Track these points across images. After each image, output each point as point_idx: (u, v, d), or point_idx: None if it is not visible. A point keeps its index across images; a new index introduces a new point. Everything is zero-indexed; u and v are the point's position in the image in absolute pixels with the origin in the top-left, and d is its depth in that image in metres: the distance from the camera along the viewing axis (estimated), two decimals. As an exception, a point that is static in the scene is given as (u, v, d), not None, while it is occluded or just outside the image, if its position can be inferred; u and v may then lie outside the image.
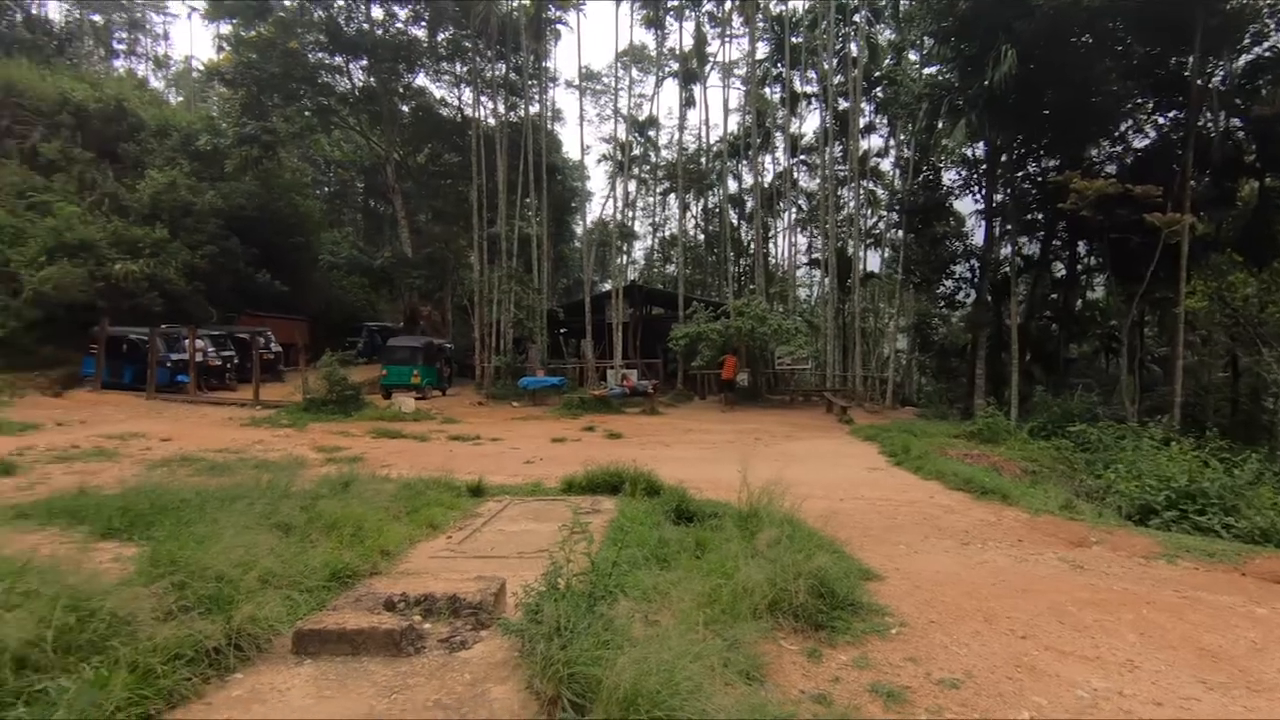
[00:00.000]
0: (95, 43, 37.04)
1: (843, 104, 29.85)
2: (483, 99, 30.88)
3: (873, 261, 34.10)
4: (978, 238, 27.09)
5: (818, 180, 35.87)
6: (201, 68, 39.94)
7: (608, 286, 32.78)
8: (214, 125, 28.91)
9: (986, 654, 4.02)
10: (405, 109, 33.35)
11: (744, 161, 38.08)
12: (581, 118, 74.04)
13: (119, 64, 39.26)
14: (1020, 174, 23.56)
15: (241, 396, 20.13)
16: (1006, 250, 24.15)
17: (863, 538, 6.55)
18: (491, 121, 30.21)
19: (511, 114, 31.12)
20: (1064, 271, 26.98)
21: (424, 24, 31.02)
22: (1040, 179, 23.05)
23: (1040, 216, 24.31)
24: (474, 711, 3.08)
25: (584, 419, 18.35)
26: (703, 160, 40.68)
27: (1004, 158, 22.72)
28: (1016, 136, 21.96)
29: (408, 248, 31.36)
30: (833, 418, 20.14)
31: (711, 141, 39.88)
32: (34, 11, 33.50)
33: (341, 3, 29.93)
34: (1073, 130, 20.38)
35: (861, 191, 30.41)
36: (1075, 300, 27.01)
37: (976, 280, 26.14)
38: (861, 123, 29.76)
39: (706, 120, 53.39)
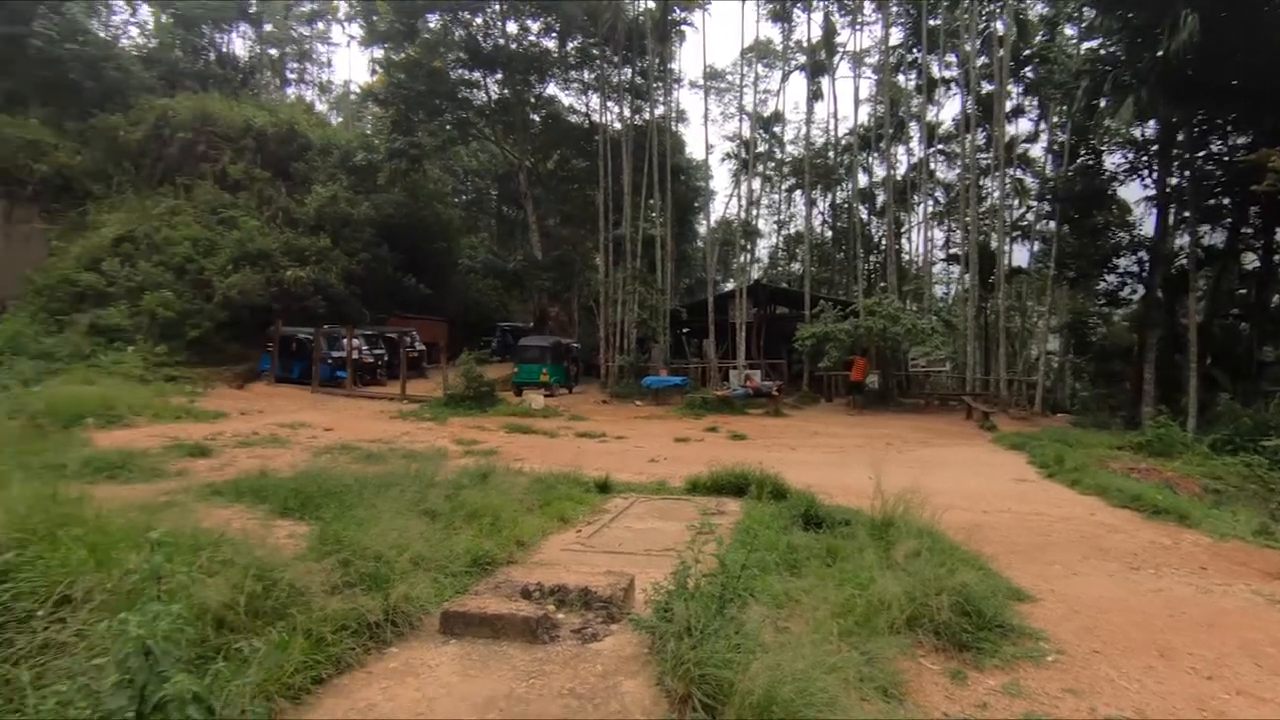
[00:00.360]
0: (272, 74, 41.62)
1: (986, 87, 27.84)
2: (609, 104, 31.67)
3: (1019, 256, 31.56)
4: (1147, 227, 24.34)
5: (957, 170, 33.67)
6: (358, 90, 43.80)
7: (730, 286, 32.55)
8: (368, 142, 31.58)
9: (1163, 693, 3.60)
10: (536, 118, 34.84)
11: (875, 154, 36.48)
12: (706, 117, 74.08)
13: (290, 91, 43.92)
14: (1201, 154, 20.89)
15: (390, 391, 21.85)
16: (1183, 240, 21.50)
17: (1010, 555, 6.07)
18: (617, 126, 30.91)
19: (636, 117, 31.66)
20: (1258, 263, 23.61)
21: (554, 35, 32.26)
22: (1227, 159, 20.32)
23: (1227, 201, 21.43)
24: (606, 703, 3.16)
25: (706, 419, 18.33)
26: (830, 154, 39.38)
27: (1180, 136, 20.24)
28: (1196, 112, 19.49)
29: (537, 251, 32.75)
30: (973, 424, 18.85)
31: (840, 135, 38.55)
32: (224, 50, 38.14)
33: (480, 21, 31.74)
34: (1270, 101, 17.79)
35: (1007, 180, 28.20)
36: (1272, 296, 23.56)
37: (1146, 275, 23.46)
38: (1008, 106, 27.61)
39: (835, 113, 51.86)
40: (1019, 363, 25.38)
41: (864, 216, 37.61)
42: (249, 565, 3.64)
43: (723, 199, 50.14)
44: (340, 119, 45.70)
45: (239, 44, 39.04)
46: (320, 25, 45.04)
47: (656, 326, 26.75)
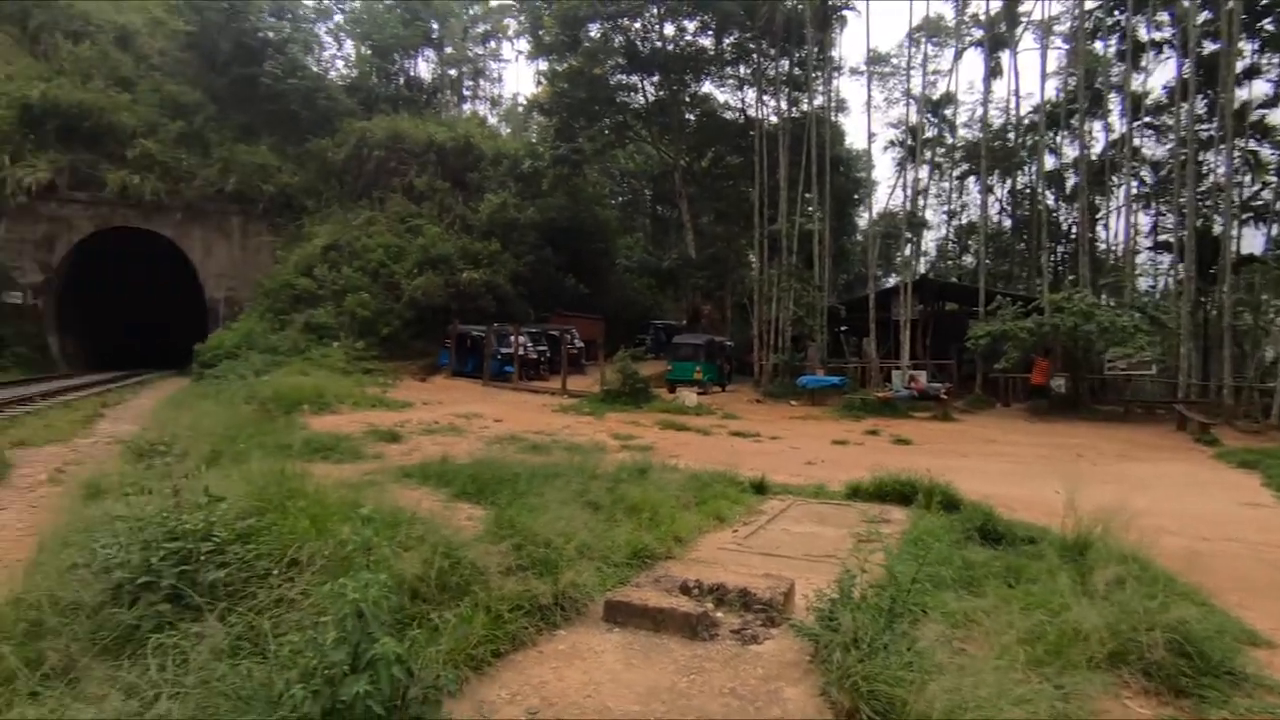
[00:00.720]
0: (451, 92, 45.41)
1: (1210, 46, 24.05)
2: (765, 98, 31.16)
3: (1252, 241, 26.99)
4: None
5: (1168, 145, 29.42)
6: (525, 101, 46.57)
7: (893, 281, 30.79)
8: (534, 150, 33.53)
9: None
10: (691, 117, 35.10)
11: (1064, 132, 32.79)
12: (868, 104, 70.30)
13: (466, 107, 47.66)
14: None
15: (552, 386, 23.06)
16: None
17: (1242, 591, 5.21)
18: (773, 120, 30.32)
19: (794, 110, 30.89)
20: None
21: (710, 32, 32.30)
22: None
23: None
24: (767, 708, 3.12)
25: (866, 422, 17.51)
26: (1010, 136, 35.99)
27: None
28: None
29: (692, 249, 33.02)
30: (1186, 436, 16.42)
31: (1022, 113, 35.10)
32: (411, 74, 42.18)
33: (638, 25, 32.53)
34: None
35: (1236, 154, 24.17)
36: None
37: None
38: (1239, 67, 23.64)
39: (1016, 90, 47.16)
40: (1249, 367, 21.61)
41: (1050, 202, 33.97)
42: (438, 544, 4.01)
43: (885, 189, 47.60)
44: (509, 130, 48.88)
45: (423, 67, 42.99)
46: (492, 44, 48.44)
47: (813, 324, 25.96)
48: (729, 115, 35.34)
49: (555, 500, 5.38)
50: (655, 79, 33.58)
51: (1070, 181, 33.51)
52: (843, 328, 29.91)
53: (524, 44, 40.25)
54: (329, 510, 4.49)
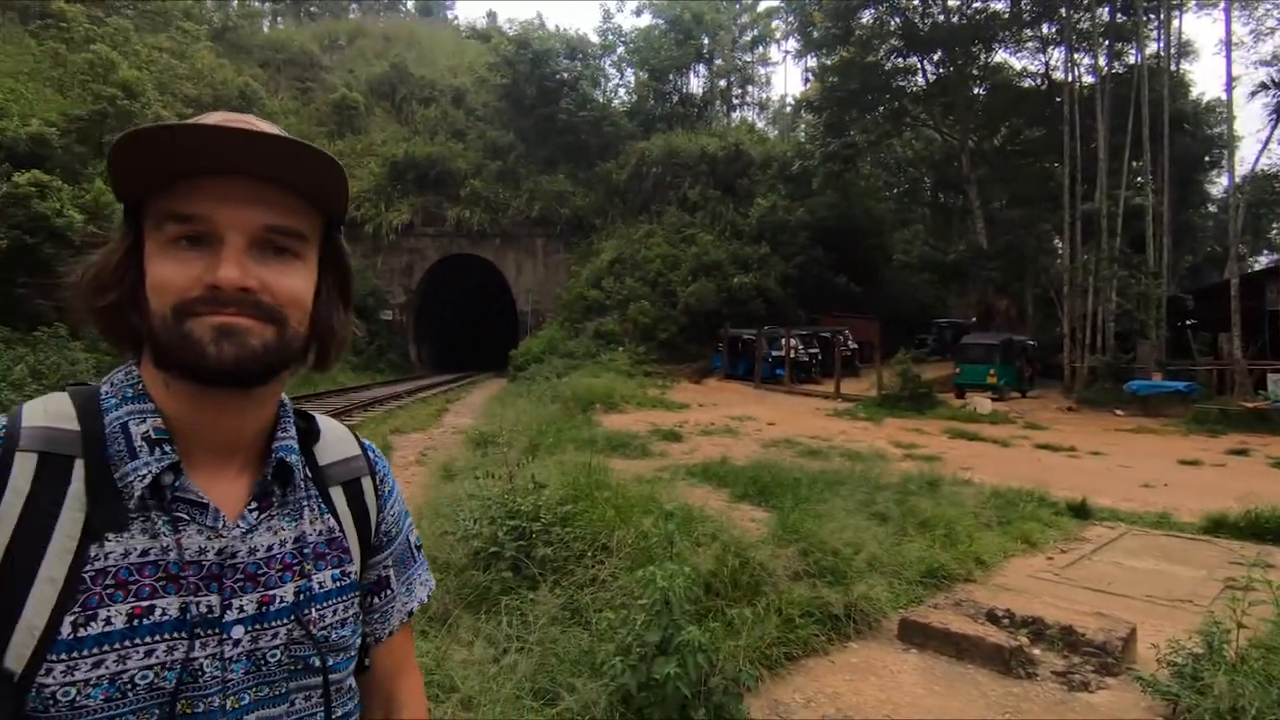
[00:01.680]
0: (720, 102, 46.82)
1: None
2: (1076, 56, 26.75)
3: None
4: None
5: None
6: (792, 101, 46.11)
7: (1265, 261, 24.27)
8: (802, 150, 33.03)
9: None
10: (979, 91, 31.59)
11: None
12: (1227, 41, 56.65)
13: (735, 115, 48.71)
14: None
15: (824, 390, 22.48)
16: None
17: None
18: (1087, 80, 25.91)
19: (1115, 65, 26.06)
20: None
21: (1005, -6, 28.76)
22: None
23: None
24: (1108, 769, 2.70)
25: (1228, 438, 14.10)
26: None
27: None
28: None
29: (982, 238, 29.64)
30: None
31: None
32: (683, 91, 44.40)
33: (916, 3, 30.25)
34: None
35: None
36: None
37: None
38: None
39: None
40: None
41: None
42: (728, 543, 4.18)
43: (1252, 146, 37.77)
44: (776, 132, 48.86)
45: (694, 82, 44.94)
46: (760, 49, 48.84)
47: (1145, 318, 21.62)
48: (1026, 84, 31.09)
49: (840, 508, 5.26)
50: (936, 57, 30.87)
51: None
52: (1189, 321, 24.41)
53: (792, 44, 39.93)
54: (630, 502, 4.95)
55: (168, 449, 0.69)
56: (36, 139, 16.94)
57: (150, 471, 0.67)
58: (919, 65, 31.72)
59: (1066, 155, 23.93)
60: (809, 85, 37.12)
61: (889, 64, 31.63)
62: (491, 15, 55.83)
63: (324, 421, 0.87)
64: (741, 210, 30.84)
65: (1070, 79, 25.95)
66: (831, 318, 28.51)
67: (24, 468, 0.65)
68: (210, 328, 0.66)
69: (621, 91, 44.33)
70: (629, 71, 44.09)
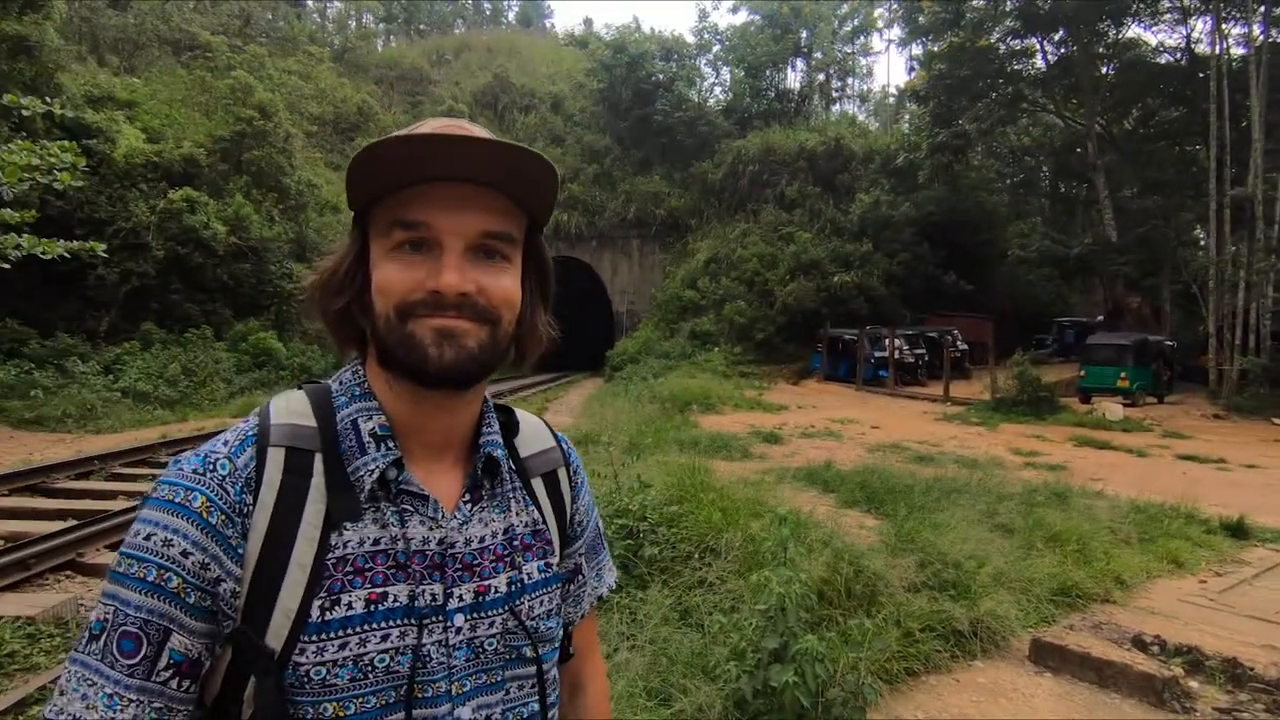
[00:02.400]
0: (819, 97, 45.58)
1: None
2: (1224, 25, 24.17)
3: None
4: None
5: None
6: (895, 92, 44.28)
7: None
8: (907, 142, 31.61)
9: None
10: (1108, 71, 29.13)
11: None
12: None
13: (835, 108, 47.29)
14: None
15: (931, 392, 21.42)
16: None
17: None
18: (1237, 51, 23.37)
19: (1273, 32, 23.36)
20: None
21: (1139, -39, 26.39)
22: None
23: None
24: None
25: None
26: None
27: None
28: None
29: (1111, 230, 27.29)
30: None
31: None
32: (780, 87, 43.53)
33: (1036, -20, 28.30)
34: None
35: None
36: None
37: None
38: None
39: None
40: None
41: None
42: (841, 550, 4.04)
43: None
44: (878, 125, 47.03)
45: (791, 77, 43.96)
46: (862, 40, 47.20)
47: (1308, 315, 19.27)
48: (1163, 60, 28.38)
49: (959, 518, 4.98)
50: (1058, 36, 28.73)
51: None
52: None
53: (895, 32, 38.35)
54: (736, 505, 4.88)
55: (391, 445, 0.73)
56: (188, 159, 18.75)
57: (378, 466, 0.71)
58: (1038, 46, 29.66)
59: (1213, 136, 21.70)
60: (914, 74, 35.55)
61: (1004, 47, 29.76)
62: (588, 21, 57.06)
63: (521, 414, 0.90)
64: (842, 207, 29.91)
65: (1218, 51, 23.51)
66: (939, 317, 27.16)
67: (275, 461, 0.70)
68: (431, 329, 0.69)
69: (717, 90, 44.01)
70: (724, 70, 43.73)
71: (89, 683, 0.63)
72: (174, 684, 0.65)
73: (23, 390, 13.10)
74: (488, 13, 65.03)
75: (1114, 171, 28.48)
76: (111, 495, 7.06)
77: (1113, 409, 16.11)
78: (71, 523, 5.78)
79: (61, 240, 9.68)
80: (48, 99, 7.85)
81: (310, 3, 49.04)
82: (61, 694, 0.64)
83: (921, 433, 13.48)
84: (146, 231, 16.92)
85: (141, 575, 0.64)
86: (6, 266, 9.37)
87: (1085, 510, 6.08)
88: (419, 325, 0.69)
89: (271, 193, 20.37)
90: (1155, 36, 29.42)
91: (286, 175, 20.96)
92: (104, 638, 0.64)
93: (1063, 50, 28.98)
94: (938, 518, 5.01)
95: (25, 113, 7.70)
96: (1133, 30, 29.02)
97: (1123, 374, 18.38)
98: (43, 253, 9.40)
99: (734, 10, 43.71)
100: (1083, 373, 19.33)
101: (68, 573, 5.06)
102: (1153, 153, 28.51)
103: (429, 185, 0.70)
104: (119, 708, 0.62)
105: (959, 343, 25.12)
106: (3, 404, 12.33)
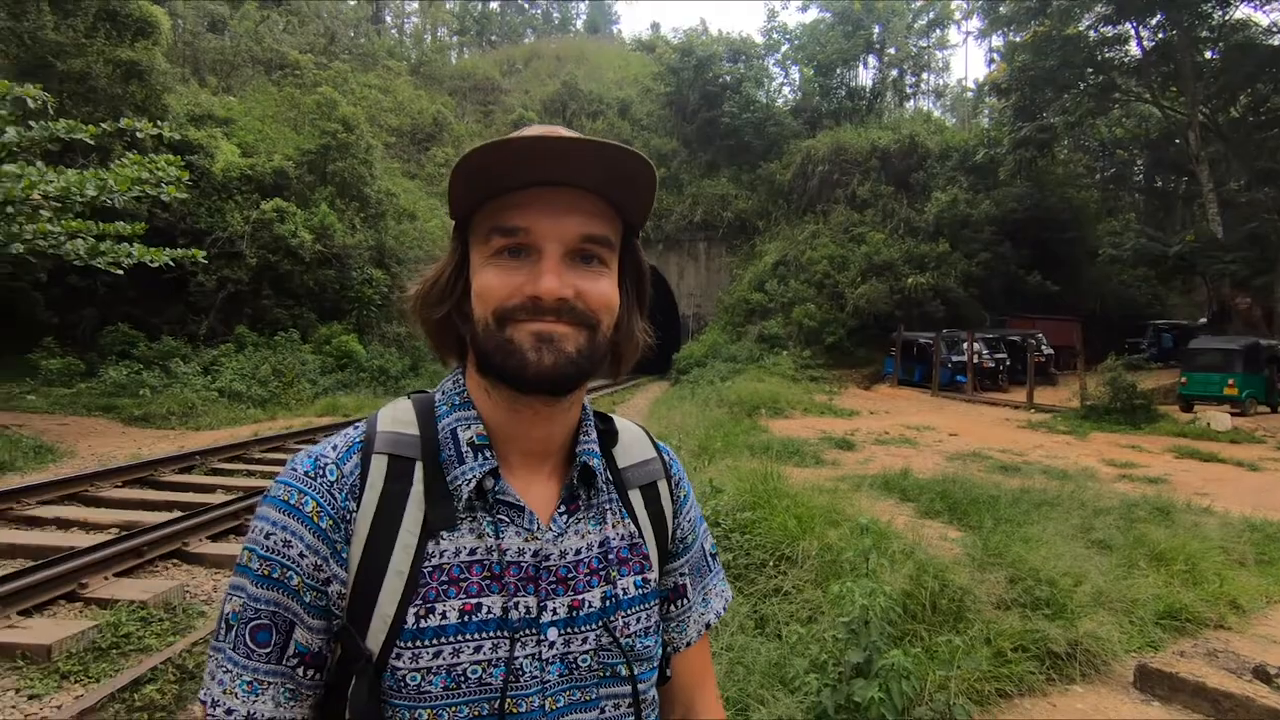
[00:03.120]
0: (893, 94, 44.28)
1: None
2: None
3: None
4: None
5: None
6: (974, 86, 42.54)
7: None
8: (987, 138, 30.31)
9: None
10: (1212, 56, 27.12)
11: None
12: None
13: (909, 105, 45.87)
14: None
15: (1013, 398, 20.45)
16: None
17: None
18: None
19: (1406, 7, 21.24)
20: None
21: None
22: None
23: None
24: None
25: None
26: None
27: None
28: None
29: (1216, 226, 25.37)
30: None
31: None
32: (852, 84, 42.53)
33: (1129, -38, 26.65)
34: None
35: None
36: None
37: None
38: None
39: None
40: None
41: None
42: (924, 562, 3.89)
43: None
44: (955, 120, 45.33)
45: (863, 75, 42.91)
46: (938, 33, 45.59)
47: None
48: (1276, 41, 26.22)
49: (1051, 532, 4.71)
50: (1156, 20, 26.96)
51: None
52: None
53: (974, 23, 36.88)
54: (811, 512, 4.77)
55: (488, 454, 0.73)
56: (278, 172, 19.84)
57: (475, 475, 0.71)
58: (1132, 32, 27.91)
59: (1334, 122, 19.89)
60: (995, 67, 34.01)
61: (1094, 34, 28.15)
62: (655, 25, 57.38)
63: (620, 422, 0.88)
64: (916, 206, 28.94)
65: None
66: (1022, 319, 25.92)
67: (378, 468, 0.72)
68: (530, 334, 0.69)
69: (786, 90, 43.42)
70: (794, 69, 43.10)
71: (226, 670, 0.68)
72: (300, 671, 0.68)
73: (133, 389, 14.15)
74: (556, 21, 66.25)
75: (1219, 163, 26.56)
76: (211, 489, 7.51)
77: (1219, 418, 14.95)
78: (178, 514, 6.18)
79: (166, 249, 10.37)
80: (158, 121, 8.46)
81: (389, 19, 51.15)
82: (211, 677, 0.68)
83: (1004, 441, 12.86)
84: (241, 240, 18.00)
85: (266, 572, 0.68)
86: (119, 273, 10.17)
87: (1192, 527, 5.66)
88: (517, 330, 0.69)
89: (353, 202, 21.32)
90: (1268, 16, 27.12)
91: (367, 185, 21.90)
92: (237, 629, 0.68)
93: (1160, 35, 27.18)
94: (1027, 531, 4.76)
95: (139, 135, 8.32)
96: (1241, 11, 26.96)
97: (1230, 380, 17.04)
98: (150, 261, 10.14)
99: (803, 8, 43.19)
100: (1183, 379, 18.02)
101: (174, 560, 5.41)
102: (1263, 142, 26.39)
103: (527, 191, 0.69)
104: (259, 691, 0.67)
105: (1044, 346, 23.90)
106: (116, 402, 13.33)
